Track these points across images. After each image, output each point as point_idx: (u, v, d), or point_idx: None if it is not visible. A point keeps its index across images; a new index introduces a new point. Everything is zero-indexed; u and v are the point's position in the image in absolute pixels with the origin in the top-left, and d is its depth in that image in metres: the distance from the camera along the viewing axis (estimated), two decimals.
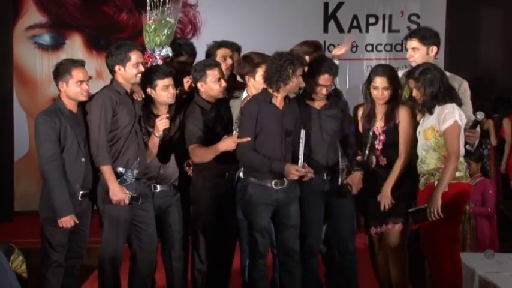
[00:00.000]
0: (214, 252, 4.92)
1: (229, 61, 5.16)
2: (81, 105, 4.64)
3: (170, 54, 5.10)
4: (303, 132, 4.55)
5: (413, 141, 4.70)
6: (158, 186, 4.88)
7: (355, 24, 9.05)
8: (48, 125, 4.47)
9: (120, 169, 4.61)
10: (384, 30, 9.07)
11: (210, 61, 4.96)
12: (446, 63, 7.86)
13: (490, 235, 6.26)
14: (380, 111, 4.79)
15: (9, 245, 5.12)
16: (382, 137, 4.77)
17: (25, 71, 8.93)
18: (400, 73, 4.91)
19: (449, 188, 4.47)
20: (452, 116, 4.48)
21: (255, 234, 4.59)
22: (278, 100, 4.60)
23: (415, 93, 4.60)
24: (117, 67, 4.65)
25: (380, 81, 4.71)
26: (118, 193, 4.54)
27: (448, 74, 4.70)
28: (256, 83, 4.76)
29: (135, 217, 4.71)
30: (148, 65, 4.96)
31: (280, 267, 4.80)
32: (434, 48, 4.85)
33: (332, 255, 5.07)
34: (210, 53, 5.20)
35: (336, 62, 4.91)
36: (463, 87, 4.76)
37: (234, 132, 4.68)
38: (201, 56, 5.29)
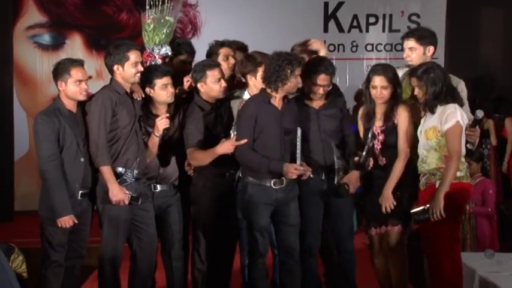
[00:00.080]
0: (215, 252, 4.92)
1: (231, 60, 5.15)
2: (81, 105, 4.64)
3: (169, 53, 5.10)
4: (299, 131, 4.56)
5: (414, 141, 4.70)
6: (158, 186, 4.88)
7: (355, 24, 9.06)
8: (48, 125, 4.47)
9: (120, 169, 4.61)
10: (384, 30, 9.09)
11: (210, 61, 4.95)
12: (446, 63, 7.87)
13: (490, 235, 6.25)
14: (379, 110, 4.79)
15: (9, 244, 5.12)
16: (380, 137, 4.77)
17: (25, 71, 8.94)
18: (400, 73, 4.91)
19: (450, 188, 4.47)
20: (454, 117, 4.48)
21: (255, 233, 4.59)
22: (277, 100, 4.60)
23: (416, 91, 4.60)
24: (115, 67, 4.65)
25: (379, 81, 4.70)
26: (117, 193, 4.53)
27: None
28: (257, 82, 4.75)
29: (135, 217, 4.71)
30: (148, 64, 4.96)
31: (281, 266, 4.80)
32: (431, 48, 4.85)
33: (331, 254, 5.07)
34: (212, 52, 5.18)
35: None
36: (460, 87, 4.76)
37: (232, 135, 4.68)
38: (201, 56, 5.28)
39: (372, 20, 9.08)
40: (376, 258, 4.96)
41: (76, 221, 4.51)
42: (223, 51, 5.16)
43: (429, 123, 4.58)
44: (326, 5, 9.05)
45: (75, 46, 8.94)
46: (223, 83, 4.82)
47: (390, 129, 4.74)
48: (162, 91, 4.72)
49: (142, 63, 4.76)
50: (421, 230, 4.68)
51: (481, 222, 6.24)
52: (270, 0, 9.04)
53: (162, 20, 5.06)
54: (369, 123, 4.81)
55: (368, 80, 4.77)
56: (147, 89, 4.75)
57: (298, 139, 4.55)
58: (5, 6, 8.70)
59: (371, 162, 4.78)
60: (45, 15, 8.92)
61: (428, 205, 4.47)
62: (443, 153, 4.53)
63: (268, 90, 4.58)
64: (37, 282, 4.74)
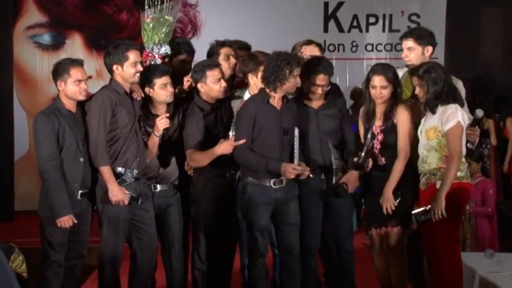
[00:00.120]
0: (215, 252, 4.92)
1: (232, 60, 5.15)
2: (81, 105, 4.64)
3: (169, 53, 5.10)
4: (296, 131, 4.56)
5: (414, 141, 4.69)
6: (158, 186, 4.88)
7: (355, 24, 9.06)
8: (47, 125, 4.47)
9: (120, 169, 4.61)
10: (384, 30, 9.08)
11: (210, 62, 4.95)
12: (446, 63, 7.86)
13: (490, 235, 6.26)
14: (379, 110, 4.78)
15: (9, 244, 5.12)
16: (380, 137, 4.76)
17: (25, 71, 8.94)
18: (400, 73, 4.90)
19: (450, 188, 4.46)
20: (455, 117, 4.47)
21: (255, 233, 4.59)
22: (276, 100, 4.60)
23: (417, 91, 4.59)
24: (115, 67, 4.64)
25: (378, 80, 4.70)
26: (117, 194, 4.53)
27: None
28: (258, 81, 4.74)
29: (135, 217, 4.70)
30: (147, 64, 4.96)
31: (281, 266, 4.80)
32: (430, 48, 4.85)
33: (330, 254, 5.06)
34: (213, 52, 5.17)
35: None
36: (457, 87, 4.75)
37: (231, 135, 4.68)
38: (201, 56, 5.28)
39: (372, 20, 9.08)
40: (377, 258, 4.95)
41: (75, 221, 4.50)
42: (224, 51, 5.15)
43: (430, 123, 4.58)
44: (326, 5, 9.05)
45: (75, 46, 8.93)
46: (223, 83, 4.81)
47: (390, 129, 4.73)
48: (162, 91, 4.72)
49: (141, 63, 4.76)
50: (421, 230, 4.67)
51: (481, 222, 6.24)
52: (270, 0, 9.04)
53: (161, 20, 5.05)
54: (369, 123, 4.81)
55: (368, 80, 4.77)
56: (147, 89, 4.75)
57: (295, 139, 4.55)
58: (5, 6, 8.69)
59: (370, 163, 4.77)
60: (45, 15, 8.92)
61: (429, 206, 4.47)
62: (443, 153, 4.53)
63: (267, 90, 4.58)
64: (37, 282, 4.73)
